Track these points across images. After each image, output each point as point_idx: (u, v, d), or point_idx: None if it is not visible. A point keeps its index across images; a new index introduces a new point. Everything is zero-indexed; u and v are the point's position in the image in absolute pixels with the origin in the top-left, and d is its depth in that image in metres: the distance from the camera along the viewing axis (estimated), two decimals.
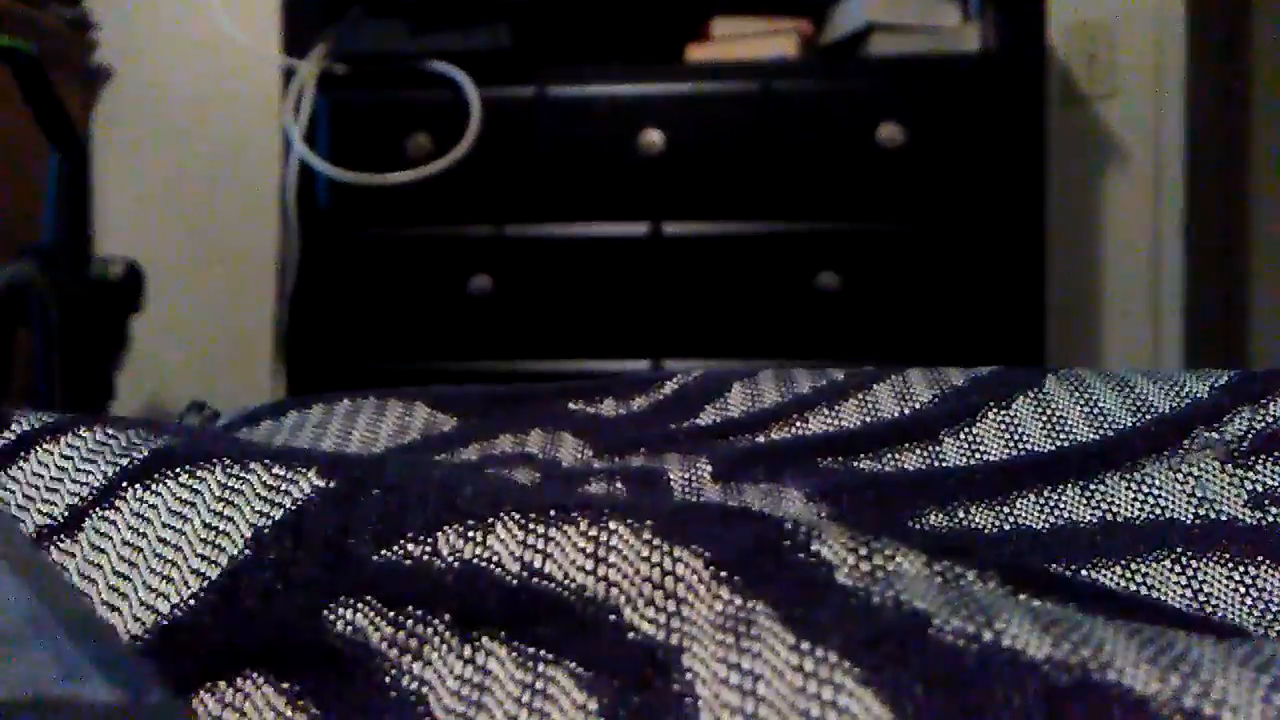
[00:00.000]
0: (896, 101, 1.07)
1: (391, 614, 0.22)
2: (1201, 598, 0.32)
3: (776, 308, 1.08)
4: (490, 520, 0.24)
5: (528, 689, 0.21)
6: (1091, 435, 0.41)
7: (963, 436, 0.42)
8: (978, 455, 0.41)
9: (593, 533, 0.23)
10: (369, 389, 0.48)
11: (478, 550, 0.23)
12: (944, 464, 0.41)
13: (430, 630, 0.22)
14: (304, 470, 0.26)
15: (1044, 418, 0.43)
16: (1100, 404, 0.43)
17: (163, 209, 1.53)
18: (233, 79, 1.47)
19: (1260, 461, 0.38)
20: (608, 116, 1.10)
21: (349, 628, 0.22)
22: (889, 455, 0.42)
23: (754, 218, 1.09)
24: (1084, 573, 0.33)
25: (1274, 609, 0.31)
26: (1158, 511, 0.37)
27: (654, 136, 1.09)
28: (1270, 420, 0.40)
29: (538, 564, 0.23)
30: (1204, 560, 0.33)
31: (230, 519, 0.26)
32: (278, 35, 1.15)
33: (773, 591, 0.21)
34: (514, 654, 0.21)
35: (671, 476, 0.40)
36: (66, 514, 0.29)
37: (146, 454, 0.29)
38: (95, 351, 0.95)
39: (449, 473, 0.26)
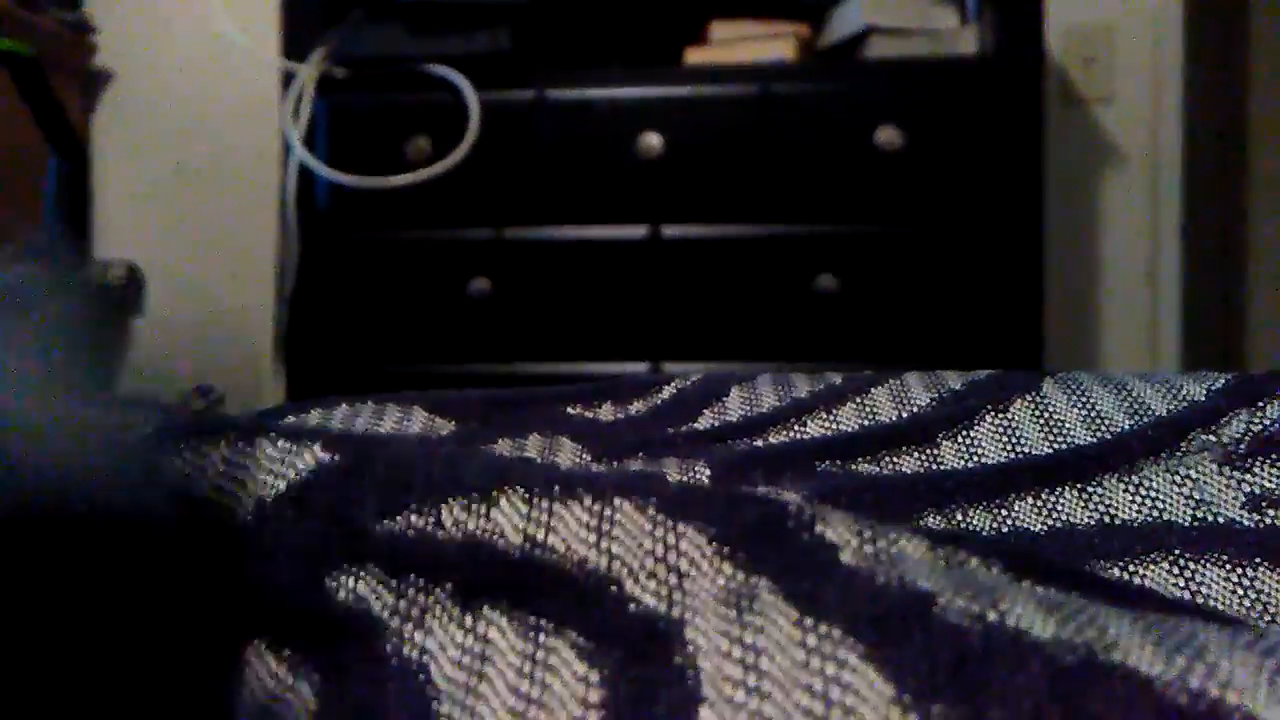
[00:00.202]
0: (895, 104, 1.07)
1: (394, 583, 0.22)
2: (1200, 599, 0.32)
3: (775, 310, 1.08)
4: (494, 494, 0.24)
5: (529, 659, 0.21)
6: (1089, 438, 0.41)
7: (960, 440, 0.42)
8: (975, 458, 0.41)
9: (596, 507, 0.23)
10: (367, 392, 0.48)
11: (481, 522, 0.23)
12: (942, 467, 0.41)
13: (432, 600, 0.22)
14: (309, 445, 0.26)
15: (1041, 421, 0.43)
16: (1097, 407, 0.43)
17: (162, 212, 1.53)
18: (232, 82, 1.47)
19: (1257, 464, 0.38)
20: (607, 119, 1.10)
21: (351, 596, 0.22)
22: (887, 458, 0.42)
23: (753, 220, 1.09)
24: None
25: (1272, 610, 0.31)
26: (1155, 514, 0.37)
27: (653, 139, 1.09)
28: (1267, 423, 0.40)
29: (540, 536, 0.23)
30: (1202, 562, 0.33)
31: (233, 491, 0.26)
32: (277, 38, 1.15)
33: (776, 568, 0.21)
34: (515, 624, 0.21)
35: (670, 480, 0.40)
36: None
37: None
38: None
39: (453, 449, 0.26)
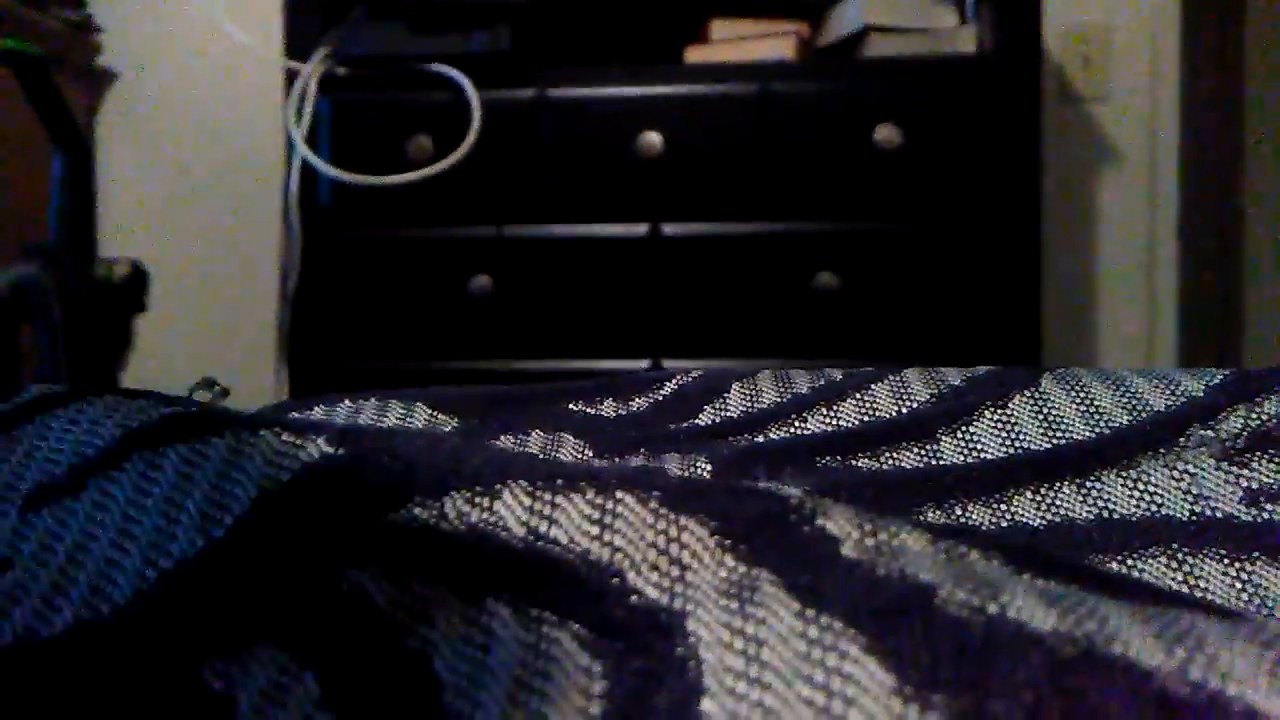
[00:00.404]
0: (894, 103, 1.08)
1: (396, 576, 0.22)
2: (1198, 593, 0.32)
3: (775, 308, 1.09)
4: (497, 487, 0.24)
5: (531, 650, 0.21)
6: (1088, 434, 0.41)
7: (960, 435, 0.42)
8: (975, 454, 0.41)
9: (599, 500, 0.23)
10: (370, 389, 0.48)
11: (484, 515, 0.23)
12: (941, 462, 0.41)
13: (435, 592, 0.22)
14: (313, 438, 0.27)
15: (1040, 416, 0.43)
16: (1096, 402, 0.43)
17: (166, 210, 1.53)
18: (235, 81, 1.48)
19: (1255, 459, 0.38)
20: (607, 118, 1.10)
21: (354, 589, 0.22)
22: (887, 454, 0.42)
23: (753, 218, 1.10)
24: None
25: (1270, 605, 0.31)
26: (1154, 509, 0.37)
27: (653, 138, 1.09)
28: (1265, 418, 0.40)
29: (543, 529, 0.23)
30: (1200, 556, 0.33)
31: (237, 481, 0.26)
32: (280, 37, 1.15)
33: (777, 560, 0.21)
34: (518, 616, 0.21)
35: (672, 474, 0.40)
36: (69, 472, 0.29)
37: (155, 418, 0.29)
38: (99, 351, 0.95)
39: (458, 443, 0.26)
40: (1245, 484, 0.37)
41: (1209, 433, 0.40)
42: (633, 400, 0.48)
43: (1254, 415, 0.40)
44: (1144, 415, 0.42)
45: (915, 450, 0.42)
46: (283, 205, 1.11)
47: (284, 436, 0.27)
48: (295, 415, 0.46)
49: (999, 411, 0.43)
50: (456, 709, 0.20)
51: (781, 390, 0.47)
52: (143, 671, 0.21)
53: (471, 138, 1.07)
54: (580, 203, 1.11)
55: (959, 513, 0.38)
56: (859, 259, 1.08)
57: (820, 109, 1.08)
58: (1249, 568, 0.33)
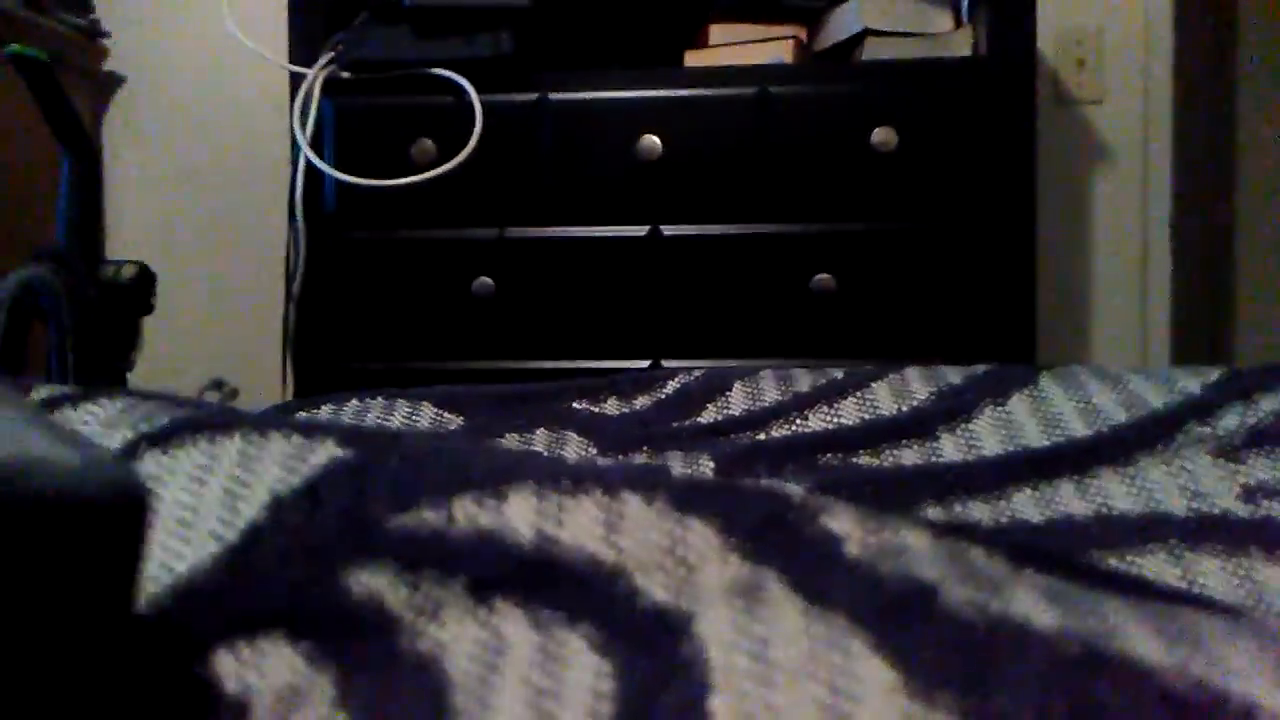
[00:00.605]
0: (890, 106, 1.08)
1: (408, 577, 0.23)
2: (1196, 588, 0.32)
3: (774, 308, 1.09)
4: (505, 489, 0.24)
5: (541, 651, 0.21)
6: (1086, 431, 0.42)
7: (960, 433, 0.43)
8: (975, 451, 0.42)
9: (605, 501, 0.23)
10: (376, 389, 0.48)
11: (493, 517, 0.23)
12: (942, 460, 0.41)
13: (446, 594, 0.22)
14: (323, 439, 0.27)
15: (1039, 414, 0.43)
16: (1094, 401, 0.44)
17: (173, 212, 1.53)
18: (241, 85, 1.48)
19: (1252, 456, 0.38)
20: (608, 121, 1.11)
21: (366, 590, 0.22)
22: (888, 451, 0.42)
23: (751, 220, 1.10)
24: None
25: (1267, 599, 0.32)
26: (1152, 505, 0.37)
27: (653, 140, 1.09)
28: (1260, 416, 0.41)
29: (551, 531, 0.23)
30: (1198, 552, 0.34)
31: (248, 484, 0.26)
32: (285, 42, 1.16)
33: (782, 560, 0.21)
34: (528, 617, 0.22)
35: (676, 474, 0.40)
36: None
37: (167, 421, 0.29)
38: (108, 351, 0.95)
39: (465, 445, 0.26)
40: (1242, 480, 0.38)
41: (1206, 430, 0.41)
42: (636, 399, 0.48)
43: (1249, 413, 0.41)
44: (1142, 413, 0.42)
45: (916, 447, 0.42)
46: (288, 207, 1.11)
47: (293, 438, 0.27)
48: (303, 415, 0.46)
49: (998, 409, 0.44)
50: (468, 709, 0.20)
51: (783, 389, 0.47)
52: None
53: (474, 141, 1.08)
54: (581, 205, 1.11)
55: (959, 509, 0.38)
56: (856, 260, 1.08)
57: (818, 112, 1.09)
58: (1246, 562, 0.33)
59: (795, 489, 0.35)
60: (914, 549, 0.22)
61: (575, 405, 0.48)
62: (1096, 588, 0.22)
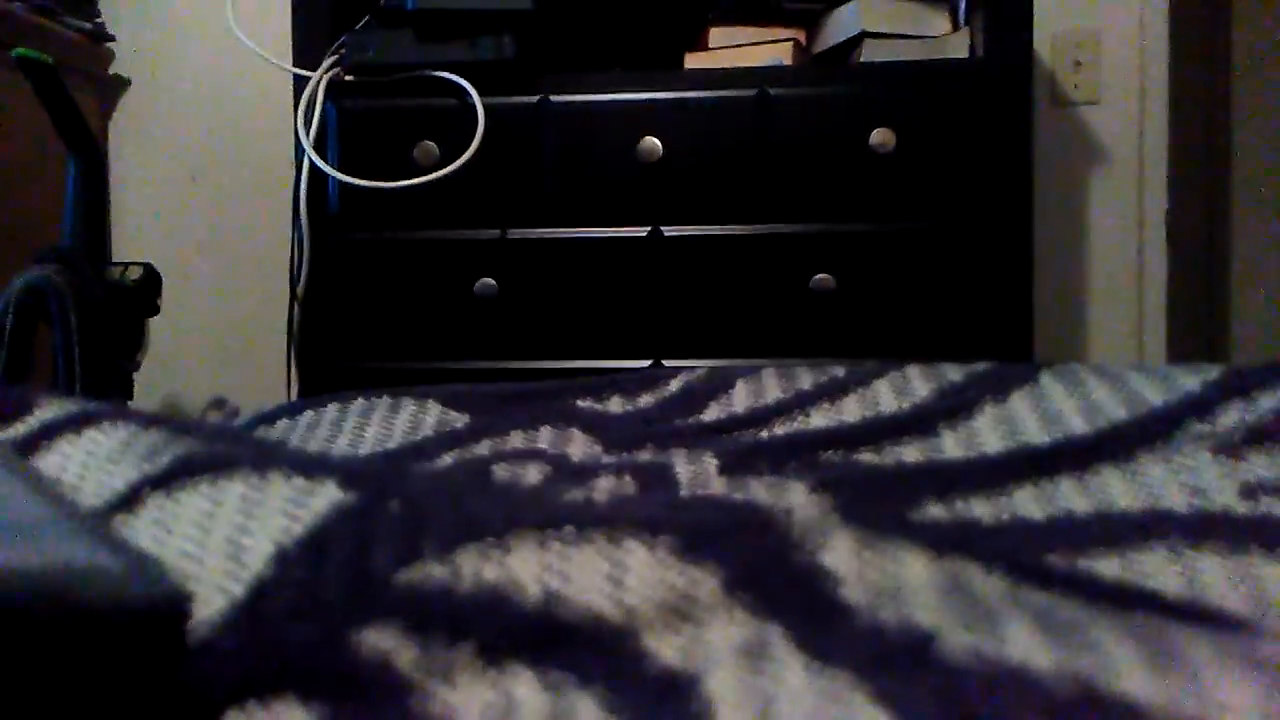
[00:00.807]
0: (888, 107, 1.09)
1: (417, 637, 0.23)
2: (1197, 586, 0.32)
3: (774, 308, 1.09)
4: (508, 539, 0.24)
5: (552, 713, 0.21)
6: (1087, 429, 0.42)
7: (961, 430, 0.43)
8: (976, 448, 0.42)
9: (609, 551, 0.23)
10: (381, 388, 0.48)
11: (499, 573, 0.23)
12: (943, 457, 0.42)
13: (456, 655, 0.22)
14: (323, 481, 0.26)
15: (1040, 412, 0.44)
16: (1094, 398, 0.44)
17: (178, 215, 1.54)
18: (245, 88, 1.49)
19: (1252, 453, 0.38)
20: (609, 123, 1.11)
21: (375, 650, 0.22)
22: (889, 448, 0.42)
23: (751, 221, 1.10)
24: (1081, 562, 0.34)
25: (1268, 597, 0.32)
26: (1152, 502, 0.37)
27: (654, 142, 1.10)
28: (1261, 413, 0.41)
29: (557, 587, 0.23)
30: (1199, 549, 0.33)
31: (252, 533, 0.26)
32: (289, 45, 1.16)
33: (785, 612, 0.22)
34: (538, 679, 0.22)
35: (678, 470, 0.40)
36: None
37: (168, 460, 0.29)
38: (113, 352, 0.95)
39: (465, 482, 0.26)
40: (1242, 477, 0.38)
41: (1206, 428, 0.41)
42: (640, 397, 0.48)
43: (1249, 410, 0.41)
44: (1142, 411, 0.42)
45: (917, 444, 0.42)
46: (292, 209, 1.12)
47: (294, 480, 0.27)
48: (308, 414, 0.46)
49: (999, 407, 0.44)
50: None
51: (785, 387, 0.48)
52: None
53: (476, 143, 1.08)
54: (583, 206, 1.12)
55: (960, 506, 0.38)
56: (855, 260, 1.09)
57: (817, 113, 1.09)
58: (1247, 560, 0.33)
59: (798, 500, 0.35)
60: (911, 584, 0.22)
61: (579, 403, 0.48)
62: (1094, 604, 0.22)
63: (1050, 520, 0.37)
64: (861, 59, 1.15)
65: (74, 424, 0.33)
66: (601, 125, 1.11)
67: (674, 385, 0.49)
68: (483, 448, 0.43)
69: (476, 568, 0.24)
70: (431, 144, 1.11)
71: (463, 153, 1.08)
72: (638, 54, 1.23)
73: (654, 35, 1.24)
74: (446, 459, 0.42)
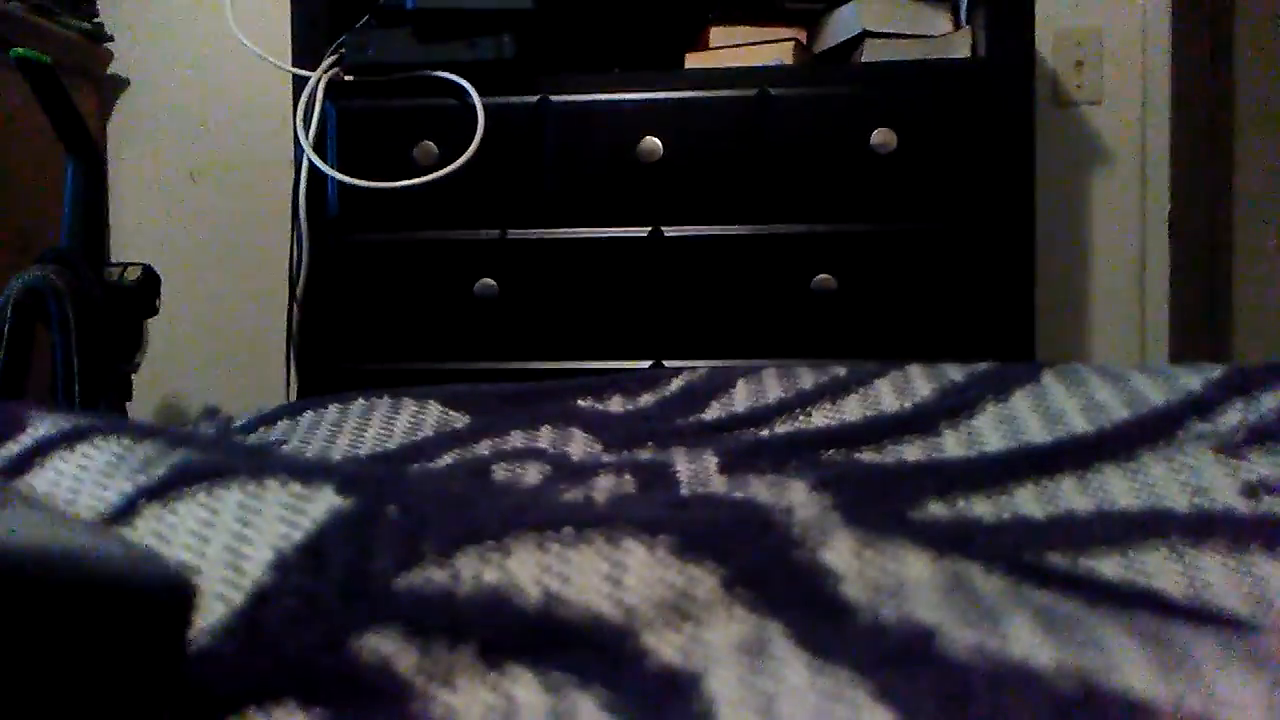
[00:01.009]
0: (889, 107, 1.09)
1: (418, 641, 0.22)
2: (1198, 585, 0.32)
3: (774, 308, 1.09)
4: (507, 541, 0.24)
5: (553, 714, 0.21)
6: (1088, 427, 0.42)
7: (962, 429, 0.43)
8: (977, 447, 0.42)
9: (608, 552, 0.23)
10: (381, 389, 0.48)
11: (498, 575, 0.23)
12: (944, 455, 0.42)
13: (456, 657, 0.22)
14: (320, 485, 0.26)
15: (1041, 411, 0.44)
16: (1096, 397, 0.44)
17: (176, 215, 1.54)
18: (244, 88, 1.49)
19: (1253, 452, 0.38)
20: (609, 123, 1.11)
21: (376, 654, 0.22)
22: (890, 448, 0.42)
23: (752, 221, 1.10)
24: (1082, 561, 0.34)
25: (1269, 596, 0.32)
26: (1154, 501, 0.37)
27: (654, 142, 1.10)
28: (1262, 412, 0.41)
29: (556, 588, 0.23)
30: (1200, 548, 0.33)
31: (250, 540, 0.25)
32: (288, 46, 1.16)
33: (785, 610, 0.22)
34: (539, 680, 0.22)
35: (679, 469, 0.40)
36: None
37: (164, 471, 0.29)
38: (112, 353, 0.95)
39: (464, 484, 0.26)
40: (1244, 476, 0.37)
41: (1207, 427, 0.41)
42: (640, 396, 0.48)
43: (1251, 410, 0.41)
44: (1143, 410, 0.42)
45: (918, 443, 0.42)
46: (291, 209, 1.12)
47: (291, 486, 0.26)
48: (309, 414, 0.46)
49: (1001, 406, 0.44)
50: None
51: (786, 386, 0.47)
52: None
53: (476, 143, 1.08)
54: (583, 206, 1.12)
55: (961, 505, 0.38)
56: (856, 260, 1.09)
57: (818, 113, 1.09)
58: (1248, 559, 0.33)
59: (799, 498, 0.35)
60: (912, 580, 0.22)
61: (580, 403, 0.48)
62: (1095, 603, 0.22)
63: (1051, 519, 0.37)
64: (862, 59, 1.15)
65: (67, 440, 0.33)
66: (602, 125, 1.11)
67: (675, 385, 0.49)
68: (483, 448, 0.43)
69: (476, 570, 0.23)
70: (431, 144, 1.11)
71: (462, 153, 1.08)
72: (638, 54, 1.23)
73: (654, 35, 1.24)
74: (446, 459, 0.42)
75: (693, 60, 1.19)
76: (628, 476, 0.39)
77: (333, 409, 0.47)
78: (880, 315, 1.09)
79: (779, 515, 0.25)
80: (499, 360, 1.12)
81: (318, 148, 1.11)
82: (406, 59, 1.11)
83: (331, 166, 1.11)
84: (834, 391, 0.47)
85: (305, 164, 1.11)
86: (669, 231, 1.11)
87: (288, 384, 1.14)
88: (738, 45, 1.18)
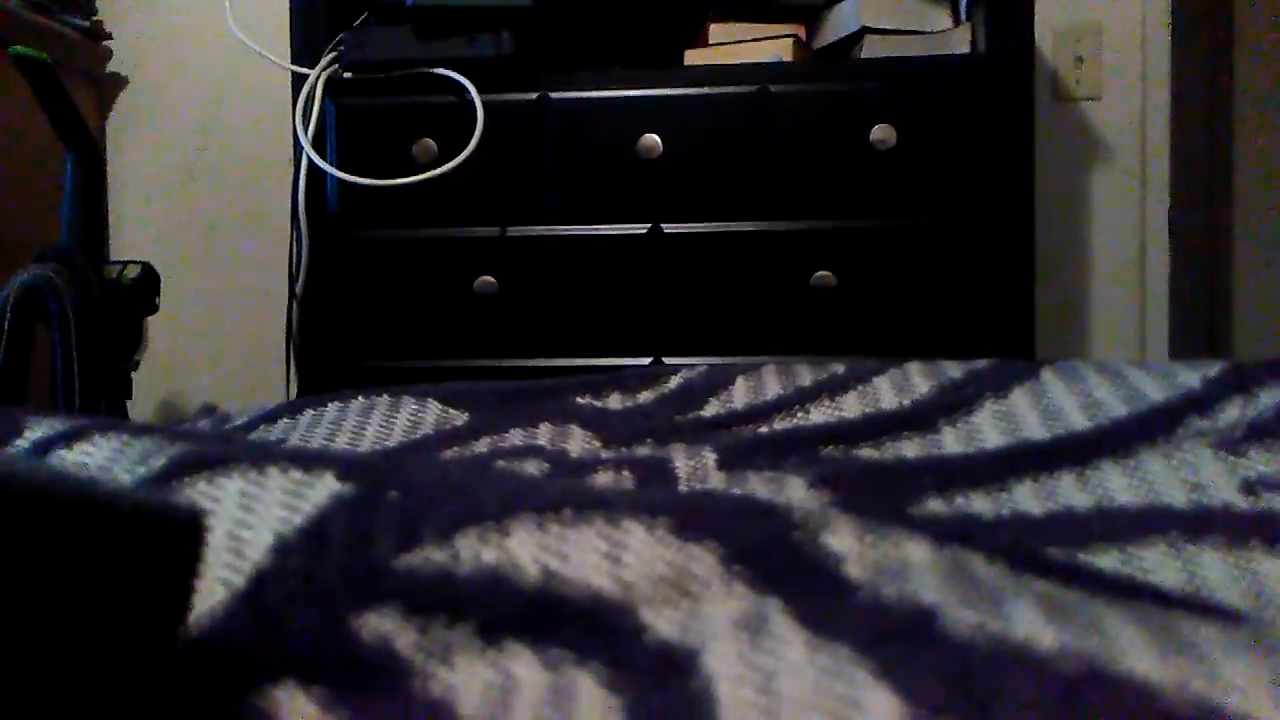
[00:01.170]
0: (889, 103, 1.09)
1: (417, 620, 0.23)
2: (1197, 581, 0.32)
3: (774, 306, 1.09)
4: (507, 522, 0.24)
5: (552, 691, 0.21)
6: (1087, 424, 0.42)
7: (961, 426, 0.43)
8: (976, 443, 0.42)
9: (607, 532, 0.23)
10: (381, 386, 0.48)
11: (497, 554, 0.23)
12: (943, 452, 0.42)
13: (455, 635, 0.22)
14: (321, 472, 0.26)
15: (1040, 408, 0.44)
16: (1095, 394, 0.44)
17: (175, 213, 1.54)
18: (244, 86, 1.49)
19: (1252, 449, 0.38)
20: (608, 120, 1.11)
21: (375, 634, 0.22)
22: (889, 444, 0.42)
23: (751, 218, 1.10)
24: (1081, 557, 0.34)
25: (1267, 592, 0.32)
26: (1153, 497, 0.37)
27: (653, 139, 1.10)
28: (1261, 409, 0.41)
29: (555, 566, 0.23)
30: (1199, 545, 0.33)
31: (251, 525, 0.26)
32: (287, 43, 1.16)
33: (785, 587, 0.22)
34: (538, 657, 0.22)
35: (677, 465, 0.40)
36: None
37: (164, 461, 0.29)
38: (112, 351, 0.95)
39: (463, 472, 0.26)
40: (1242, 473, 0.38)
41: (1206, 423, 0.41)
42: (639, 393, 0.48)
43: (1250, 407, 0.41)
44: (1142, 407, 0.42)
45: (917, 440, 0.42)
46: (290, 207, 1.12)
47: (291, 473, 0.27)
48: (309, 412, 0.46)
49: (1000, 402, 0.44)
50: None
51: (785, 383, 0.48)
52: None
53: (475, 140, 1.08)
54: (582, 203, 1.11)
55: (960, 501, 0.38)
56: (856, 257, 1.09)
57: (817, 109, 1.09)
58: (1246, 555, 0.33)
59: (797, 491, 0.35)
60: (915, 564, 0.22)
61: (579, 400, 0.48)
62: (1096, 594, 0.22)
63: (1050, 516, 0.37)
64: (862, 55, 1.15)
65: (64, 440, 0.33)
66: (601, 122, 1.11)
67: (674, 382, 0.49)
68: (482, 445, 0.43)
69: (475, 550, 0.23)
70: (430, 141, 1.11)
71: (462, 150, 1.08)
72: (637, 50, 1.23)
73: (653, 32, 1.24)
74: (446, 456, 0.42)
75: (692, 57, 1.19)
76: (626, 473, 0.39)
77: (332, 407, 0.47)
78: (879, 312, 1.09)
79: (779, 505, 0.25)
80: (498, 358, 1.12)
81: (317, 145, 1.11)
82: (405, 56, 1.11)
83: (331, 164, 1.10)
84: (833, 388, 0.47)
85: (305, 161, 1.11)
86: (668, 228, 1.11)
87: (287, 382, 1.14)
88: (737, 42, 1.18)
